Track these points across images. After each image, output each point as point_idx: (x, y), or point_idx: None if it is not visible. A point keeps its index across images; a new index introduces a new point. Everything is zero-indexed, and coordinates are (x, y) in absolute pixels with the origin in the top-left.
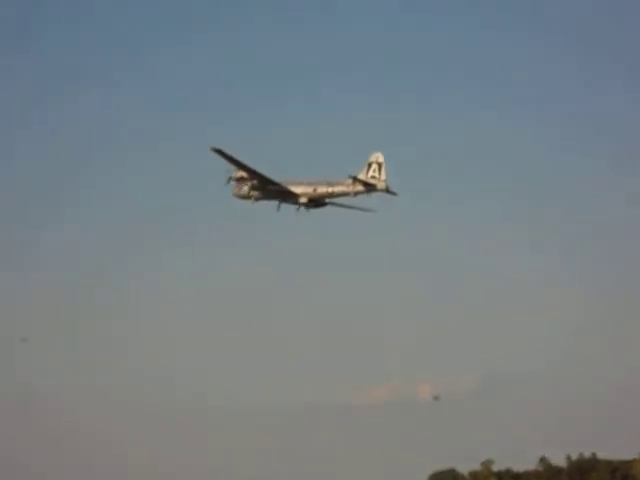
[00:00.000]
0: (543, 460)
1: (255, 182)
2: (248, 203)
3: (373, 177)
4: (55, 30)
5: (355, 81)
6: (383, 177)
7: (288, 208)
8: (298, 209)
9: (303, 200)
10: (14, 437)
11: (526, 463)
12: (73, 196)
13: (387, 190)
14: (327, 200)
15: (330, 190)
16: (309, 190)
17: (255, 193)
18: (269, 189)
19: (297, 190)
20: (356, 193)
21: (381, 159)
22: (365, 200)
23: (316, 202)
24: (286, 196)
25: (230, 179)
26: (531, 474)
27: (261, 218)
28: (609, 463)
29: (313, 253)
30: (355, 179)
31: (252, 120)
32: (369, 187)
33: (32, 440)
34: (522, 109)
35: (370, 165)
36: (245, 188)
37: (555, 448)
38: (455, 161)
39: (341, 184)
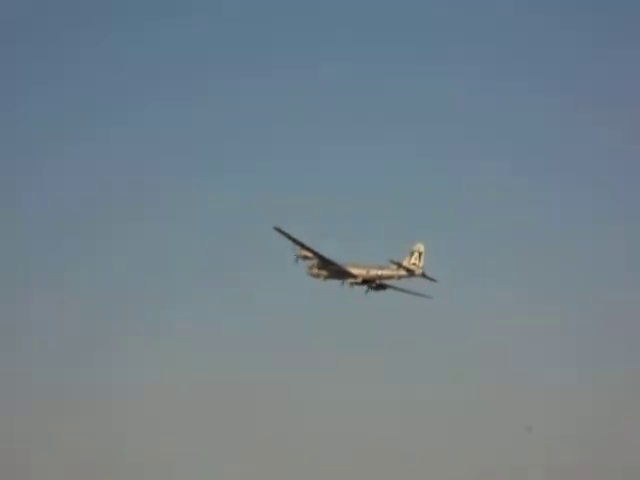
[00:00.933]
0: None
1: (318, 261)
2: (319, 281)
3: (414, 264)
4: None
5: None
6: (421, 264)
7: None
8: (367, 292)
9: (358, 280)
10: None
11: None
12: None
13: (424, 275)
14: (379, 282)
15: (380, 273)
16: (363, 272)
17: (322, 272)
18: (330, 268)
19: (354, 271)
20: (400, 277)
21: (422, 249)
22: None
23: (376, 285)
24: (344, 275)
25: (298, 257)
26: None
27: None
28: None
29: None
30: (399, 265)
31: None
32: (409, 272)
33: None
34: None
35: (412, 253)
36: (314, 267)
37: None
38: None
39: (388, 268)
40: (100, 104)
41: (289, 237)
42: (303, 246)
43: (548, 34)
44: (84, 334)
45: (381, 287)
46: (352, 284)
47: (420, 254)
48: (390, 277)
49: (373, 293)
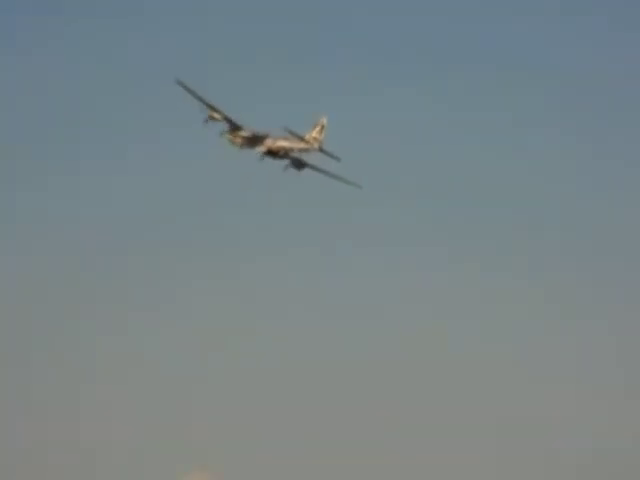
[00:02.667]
0: None
1: (228, 125)
2: (236, 148)
3: (315, 138)
4: None
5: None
6: (321, 138)
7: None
8: (285, 169)
9: (263, 150)
10: None
11: None
12: None
13: (321, 150)
14: (283, 154)
15: (285, 144)
16: (270, 141)
17: (237, 139)
18: (240, 135)
19: (263, 140)
20: (300, 150)
21: (325, 122)
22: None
23: (297, 162)
24: (253, 143)
25: (208, 118)
26: None
27: None
28: None
29: None
30: (299, 137)
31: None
32: (309, 145)
33: None
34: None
35: (315, 126)
36: (226, 132)
37: None
38: None
39: (291, 140)
40: None
41: (194, 94)
42: (210, 106)
43: None
44: None
45: (301, 165)
46: (262, 155)
47: (322, 127)
48: (291, 150)
49: (293, 171)
